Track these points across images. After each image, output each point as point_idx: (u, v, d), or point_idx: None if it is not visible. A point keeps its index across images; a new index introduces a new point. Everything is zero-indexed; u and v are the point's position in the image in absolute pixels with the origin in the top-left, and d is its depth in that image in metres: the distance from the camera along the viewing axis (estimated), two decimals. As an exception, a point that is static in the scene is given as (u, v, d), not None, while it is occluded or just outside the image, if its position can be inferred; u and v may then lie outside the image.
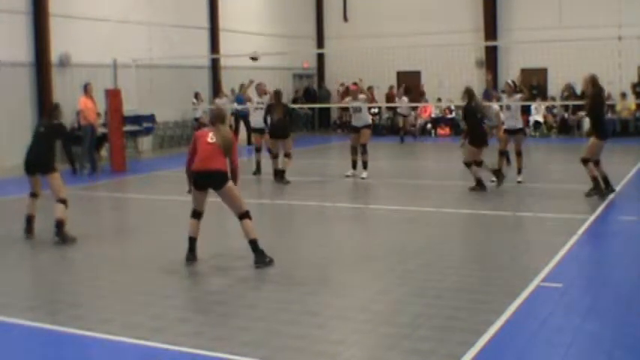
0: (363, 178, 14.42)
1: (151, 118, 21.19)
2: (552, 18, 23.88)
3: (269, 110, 14.51)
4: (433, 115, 26.07)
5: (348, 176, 14.70)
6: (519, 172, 13.58)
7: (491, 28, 25.88)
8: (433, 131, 25.77)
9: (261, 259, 7.79)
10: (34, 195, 9.86)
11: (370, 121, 15.60)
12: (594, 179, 11.51)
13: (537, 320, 5.94)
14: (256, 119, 15.47)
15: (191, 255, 8.05)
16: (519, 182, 13.35)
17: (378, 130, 25.35)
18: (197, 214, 8.07)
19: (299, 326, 5.89)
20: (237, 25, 24.97)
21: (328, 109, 28.59)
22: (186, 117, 23.35)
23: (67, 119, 18.62)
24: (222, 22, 24.40)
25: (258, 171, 15.38)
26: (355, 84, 15.57)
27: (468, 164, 12.77)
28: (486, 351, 5.25)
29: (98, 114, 17.48)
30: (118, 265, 8.33)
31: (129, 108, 18.55)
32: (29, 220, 9.83)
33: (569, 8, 24.02)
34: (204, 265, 8.30)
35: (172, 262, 8.31)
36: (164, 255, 8.67)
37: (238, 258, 8.56)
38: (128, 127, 18.95)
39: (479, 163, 12.84)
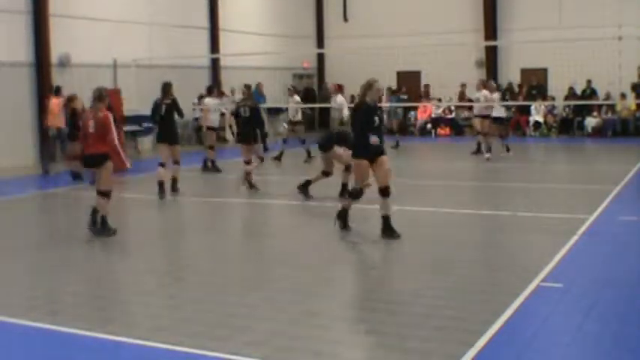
0: None
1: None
2: (552, 18, 23.86)
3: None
4: (433, 115, 26.08)
5: None
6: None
7: (491, 28, 25.86)
8: (433, 131, 25.78)
9: (105, 230, 9.54)
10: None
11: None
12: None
13: (537, 320, 5.93)
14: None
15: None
16: None
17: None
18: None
19: (299, 326, 5.89)
20: (237, 25, 24.96)
21: (328, 109, 28.53)
22: (186, 117, 23.26)
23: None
24: (222, 22, 24.39)
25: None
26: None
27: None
28: (486, 351, 5.25)
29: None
30: (118, 265, 8.33)
31: (129, 108, 18.54)
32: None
33: (569, 8, 24.02)
34: (204, 266, 8.31)
35: (172, 261, 8.32)
36: (164, 255, 8.68)
37: (238, 258, 8.57)
38: (128, 127, 18.93)
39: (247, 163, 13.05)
